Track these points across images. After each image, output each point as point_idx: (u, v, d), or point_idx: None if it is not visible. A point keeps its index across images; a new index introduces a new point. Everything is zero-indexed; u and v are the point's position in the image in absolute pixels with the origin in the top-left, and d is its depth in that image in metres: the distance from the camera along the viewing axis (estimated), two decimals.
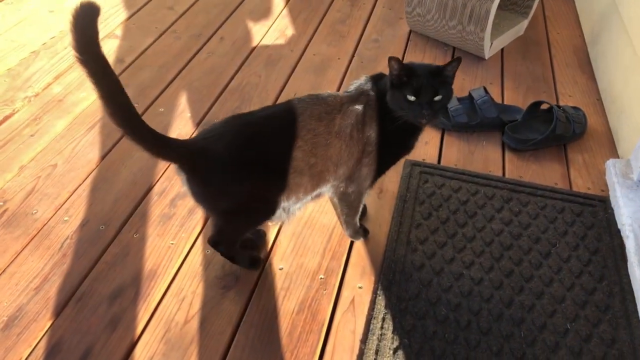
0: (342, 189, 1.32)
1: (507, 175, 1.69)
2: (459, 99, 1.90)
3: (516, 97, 2.04)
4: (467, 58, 2.25)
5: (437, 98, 1.19)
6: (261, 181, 1.19)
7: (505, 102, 2.01)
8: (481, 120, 1.83)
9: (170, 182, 1.62)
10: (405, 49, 2.31)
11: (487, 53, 2.22)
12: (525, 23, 2.40)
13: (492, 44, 2.21)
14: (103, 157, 1.71)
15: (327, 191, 1.33)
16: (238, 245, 1.34)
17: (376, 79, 1.28)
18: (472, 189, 1.61)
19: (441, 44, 2.32)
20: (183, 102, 1.96)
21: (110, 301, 1.29)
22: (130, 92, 1.10)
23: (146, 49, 2.26)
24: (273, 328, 1.25)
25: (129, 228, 1.48)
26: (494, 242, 1.45)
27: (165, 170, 1.66)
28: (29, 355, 1.19)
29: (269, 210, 1.24)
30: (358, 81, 1.29)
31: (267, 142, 1.18)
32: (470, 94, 1.90)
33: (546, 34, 2.46)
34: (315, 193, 1.29)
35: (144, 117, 1.85)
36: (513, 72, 2.19)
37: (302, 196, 1.26)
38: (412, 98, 1.18)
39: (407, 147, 1.33)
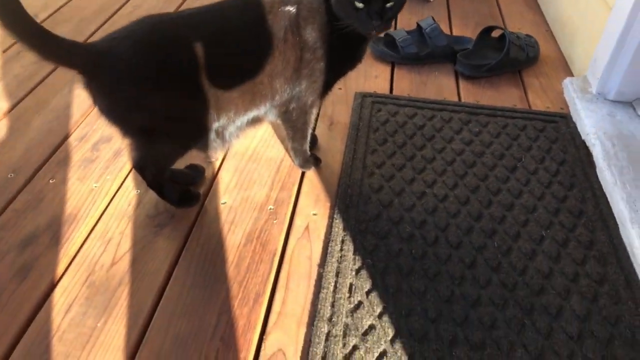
0: (283, 108, 1.17)
1: (463, 101, 1.59)
2: (407, 32, 1.78)
3: (465, 33, 1.94)
4: (413, 0, 2.15)
5: (388, 5, 1.03)
6: (180, 91, 1.01)
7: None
8: (432, 50, 1.72)
9: (92, 128, 1.43)
10: None
11: None
12: None
13: None
14: (12, 108, 1.49)
15: (266, 113, 1.17)
16: (167, 174, 1.15)
17: None
18: (428, 114, 1.50)
19: None
20: None
21: (20, 249, 1.09)
22: None
23: (63, 5, 2.05)
24: (217, 261, 1.08)
25: (43, 174, 1.28)
26: (456, 161, 1.33)
27: (87, 116, 1.46)
28: None
29: (196, 130, 1.07)
30: None
31: (187, 45, 0.99)
32: (418, 25, 1.79)
33: None
34: (251, 114, 1.12)
35: (59, 74, 1.66)
36: (460, 10, 2.10)
37: (234, 116, 1.09)
38: (360, 5, 1.01)
39: (354, 57, 1.19)
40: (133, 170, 1.28)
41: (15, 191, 1.23)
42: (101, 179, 1.27)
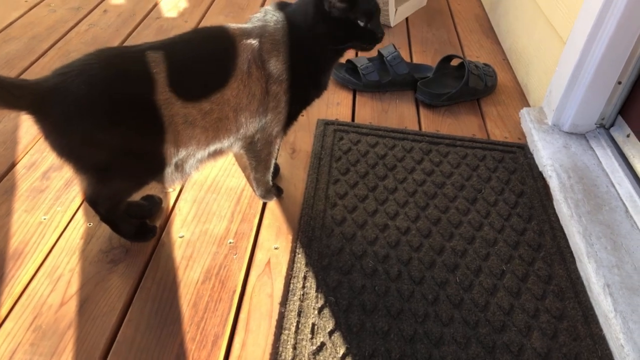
0: (248, 139, 1.14)
1: (423, 130, 1.60)
2: (369, 59, 1.79)
3: (425, 60, 1.97)
4: None
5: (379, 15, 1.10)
6: (137, 128, 0.96)
7: None
8: (393, 78, 1.73)
9: (42, 155, 1.36)
10: None
11: (393, 20, 2.15)
12: None
13: (396, 10, 2.15)
14: None
15: (230, 146, 1.14)
16: (121, 209, 1.10)
17: (281, 6, 1.12)
18: (390, 143, 1.50)
19: None
20: None
21: None
22: None
23: (13, 22, 1.96)
24: (173, 301, 1.04)
25: None
26: (418, 192, 1.34)
27: (36, 142, 1.39)
28: None
29: (153, 167, 1.03)
30: (259, 12, 1.12)
31: (145, 81, 0.95)
32: (379, 52, 1.80)
33: (447, 4, 2.45)
34: (214, 147, 1.09)
35: None
36: (420, 38, 2.13)
37: (195, 150, 1.05)
38: (362, 23, 1.06)
39: (319, 86, 1.18)
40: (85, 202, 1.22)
41: None
42: (51, 211, 1.20)
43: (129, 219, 1.13)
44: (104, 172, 0.99)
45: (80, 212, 1.21)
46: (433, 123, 1.63)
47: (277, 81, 1.07)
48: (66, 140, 0.93)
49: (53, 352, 0.93)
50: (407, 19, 2.27)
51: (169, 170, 1.05)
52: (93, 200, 1.06)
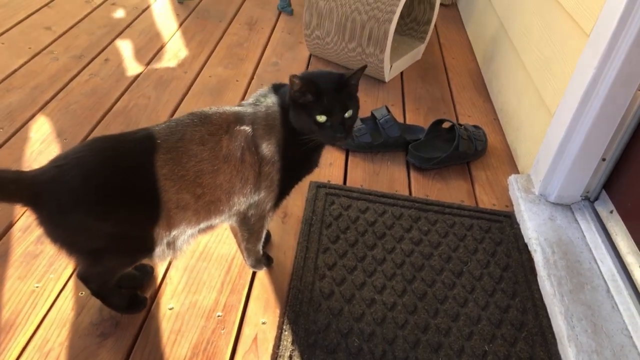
0: (241, 215, 1.17)
1: (413, 194, 1.63)
2: (362, 120, 1.84)
3: (417, 118, 2.02)
4: (368, 81, 2.22)
5: (347, 115, 1.09)
6: (131, 217, 1.00)
7: (407, 123, 1.98)
8: (385, 140, 1.77)
9: None
10: None
11: (387, 76, 2.20)
12: (422, 47, 2.42)
13: (391, 66, 2.20)
14: None
15: (222, 222, 1.17)
16: (112, 284, 1.12)
17: (276, 88, 1.16)
18: (380, 209, 1.53)
19: (342, 68, 2.28)
20: (59, 126, 1.73)
21: None
22: None
23: (16, 70, 2.00)
24: None
25: None
26: (405, 263, 1.36)
27: None
28: None
29: (145, 247, 1.05)
30: (251, 98, 1.16)
31: (138, 170, 0.99)
32: (372, 114, 1.84)
33: (442, 59, 2.51)
34: (205, 225, 1.12)
35: (11, 143, 1.62)
36: (413, 94, 2.18)
37: (187, 228, 1.08)
38: (322, 119, 1.06)
39: (311, 165, 1.22)
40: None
41: None
42: (44, 278, 1.23)
43: (120, 291, 1.16)
44: (96, 255, 1.02)
45: (73, 280, 1.23)
46: (423, 187, 1.67)
47: (270, 162, 1.11)
48: (61, 230, 0.96)
49: None
50: (401, 73, 2.33)
51: (161, 249, 1.07)
52: (84, 278, 1.08)
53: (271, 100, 1.12)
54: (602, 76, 1.35)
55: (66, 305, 1.17)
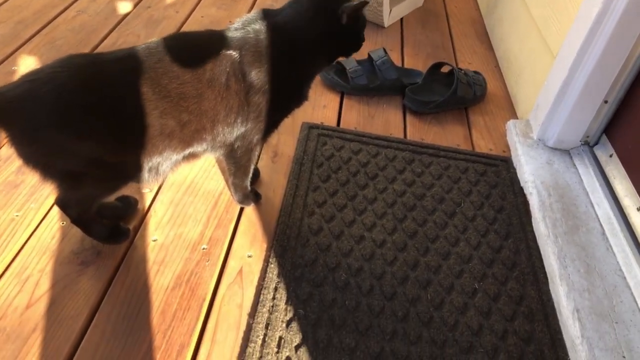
0: (228, 147, 1.13)
1: (408, 138, 1.59)
2: (358, 61, 1.77)
3: (416, 63, 1.95)
4: (367, 26, 2.14)
5: None
6: (109, 137, 0.94)
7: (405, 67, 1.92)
8: (381, 83, 1.72)
9: None
10: None
11: (387, 21, 2.13)
12: None
13: (391, 11, 2.12)
14: None
15: (205, 151, 1.12)
16: (93, 211, 1.08)
17: (265, 15, 1.09)
18: (373, 150, 1.49)
19: None
20: (44, 60, 1.67)
21: None
22: None
23: (0, 4, 1.92)
24: (141, 307, 1.03)
25: None
26: (397, 203, 1.33)
27: None
28: None
29: (125, 174, 1.02)
30: (237, 22, 1.09)
31: (117, 92, 0.93)
32: (369, 55, 1.78)
33: (444, 6, 2.42)
34: (187, 152, 1.08)
35: None
36: (413, 40, 2.11)
37: (170, 154, 1.04)
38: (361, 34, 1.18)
39: (301, 98, 1.17)
40: None
41: None
42: (24, 208, 1.19)
43: (101, 220, 1.12)
44: (73, 179, 0.97)
45: (54, 210, 1.19)
46: (419, 131, 1.62)
47: (260, 92, 1.06)
48: (32, 149, 0.91)
49: (15, 357, 0.92)
50: (401, 19, 2.25)
51: (143, 174, 1.03)
52: (63, 204, 1.05)
53: (261, 26, 1.06)
54: (607, 13, 1.29)
55: (47, 234, 1.14)
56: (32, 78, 0.89)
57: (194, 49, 1.01)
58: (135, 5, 2.05)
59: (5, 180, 1.25)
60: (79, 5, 2.00)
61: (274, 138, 1.49)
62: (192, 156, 1.11)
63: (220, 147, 1.12)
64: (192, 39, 1.03)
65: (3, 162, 1.29)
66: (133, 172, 1.00)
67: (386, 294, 1.10)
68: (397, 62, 1.95)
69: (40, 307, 1.01)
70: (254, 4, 2.19)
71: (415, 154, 1.50)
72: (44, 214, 1.18)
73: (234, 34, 1.06)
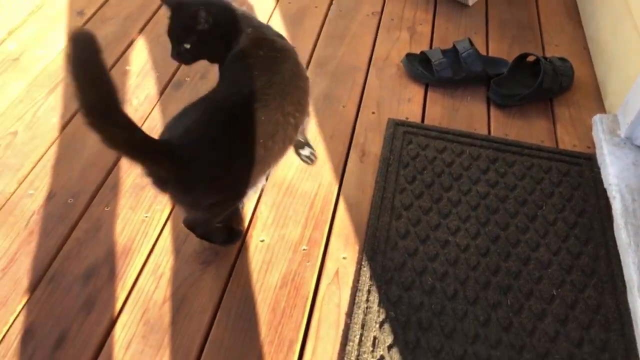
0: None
1: (492, 133, 1.64)
2: (443, 52, 1.81)
3: (501, 48, 1.95)
4: (450, 5, 2.14)
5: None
6: (247, 167, 1.11)
7: (490, 53, 1.93)
8: (466, 75, 1.75)
9: None
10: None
11: None
12: None
13: None
14: (67, 123, 1.60)
15: None
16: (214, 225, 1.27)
17: None
18: (457, 149, 1.56)
19: None
20: (151, 59, 1.83)
21: (84, 281, 1.23)
22: None
23: (107, 0, 2.09)
24: (256, 305, 1.21)
25: (99, 200, 1.40)
26: (480, 205, 1.41)
27: None
28: None
29: (249, 192, 1.19)
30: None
31: (246, 123, 1.09)
32: (454, 46, 1.81)
33: None
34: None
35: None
36: (498, 20, 2.09)
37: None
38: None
39: None
40: None
41: (76, 218, 1.36)
42: (151, 209, 1.39)
43: (218, 227, 1.30)
44: (214, 207, 1.16)
45: (176, 211, 1.38)
46: (502, 125, 1.66)
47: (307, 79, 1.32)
48: (193, 198, 1.10)
49: (160, 345, 1.14)
50: None
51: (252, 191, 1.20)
52: (192, 226, 1.24)
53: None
54: None
55: (171, 234, 1.34)
56: (182, 126, 1.06)
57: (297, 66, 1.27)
58: None
59: (133, 182, 1.45)
60: None
61: (360, 137, 1.59)
62: None
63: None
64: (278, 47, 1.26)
65: (129, 165, 1.48)
66: (256, 186, 1.18)
67: (469, 299, 1.22)
68: (481, 45, 1.95)
69: (174, 302, 1.21)
70: None
71: (499, 152, 1.55)
72: (167, 215, 1.38)
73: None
